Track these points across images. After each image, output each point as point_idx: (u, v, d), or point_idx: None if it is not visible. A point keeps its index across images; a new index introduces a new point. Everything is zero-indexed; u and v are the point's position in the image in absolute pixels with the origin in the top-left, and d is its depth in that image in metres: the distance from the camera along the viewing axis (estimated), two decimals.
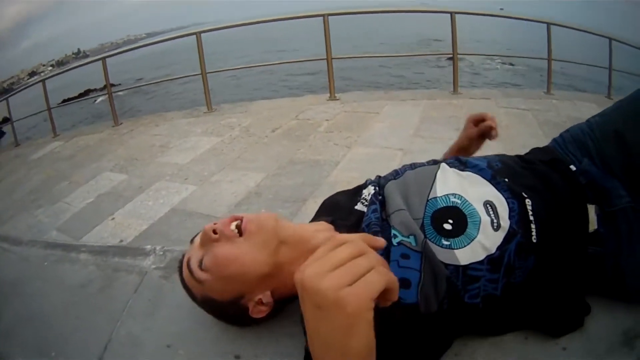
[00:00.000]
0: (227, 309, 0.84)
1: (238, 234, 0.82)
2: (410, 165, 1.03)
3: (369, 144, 3.23)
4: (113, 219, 2.68)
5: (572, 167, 0.97)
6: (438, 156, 1.16)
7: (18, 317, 1.23)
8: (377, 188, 0.95)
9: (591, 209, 0.92)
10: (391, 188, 0.92)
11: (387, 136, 3.32)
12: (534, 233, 0.81)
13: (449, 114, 3.81)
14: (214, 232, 0.81)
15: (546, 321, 0.83)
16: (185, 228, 2.38)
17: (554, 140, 1.12)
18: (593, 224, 0.92)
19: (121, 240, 2.36)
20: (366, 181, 1.03)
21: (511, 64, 22.40)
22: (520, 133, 3.25)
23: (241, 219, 0.84)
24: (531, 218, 0.83)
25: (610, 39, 5.49)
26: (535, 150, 1.11)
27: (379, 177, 1.03)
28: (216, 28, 5.28)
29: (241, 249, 0.80)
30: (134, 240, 2.34)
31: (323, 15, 4.47)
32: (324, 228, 0.91)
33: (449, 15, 4.68)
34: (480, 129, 1.19)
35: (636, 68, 6.88)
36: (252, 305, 0.83)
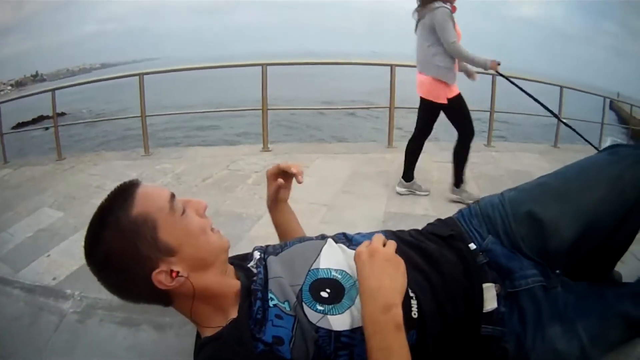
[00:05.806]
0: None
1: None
2: (299, 239, 1.06)
3: (294, 198, 3.11)
4: (48, 256, 2.63)
5: (472, 246, 0.97)
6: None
7: None
8: (262, 254, 0.98)
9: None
10: (273, 259, 0.95)
11: (314, 191, 3.33)
12: (414, 308, 0.85)
13: (380, 169, 3.88)
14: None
15: None
16: None
17: (460, 211, 1.13)
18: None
19: (54, 278, 2.32)
20: (253, 248, 1.06)
21: None
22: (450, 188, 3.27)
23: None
24: (411, 294, 0.86)
25: (562, 87, 5.48)
26: (437, 222, 1.11)
27: (267, 246, 1.06)
28: (159, 71, 5.35)
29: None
30: (65, 280, 2.30)
31: (262, 65, 4.51)
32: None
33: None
34: (278, 186, 1.24)
35: (586, 114, 6.98)
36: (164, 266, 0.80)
